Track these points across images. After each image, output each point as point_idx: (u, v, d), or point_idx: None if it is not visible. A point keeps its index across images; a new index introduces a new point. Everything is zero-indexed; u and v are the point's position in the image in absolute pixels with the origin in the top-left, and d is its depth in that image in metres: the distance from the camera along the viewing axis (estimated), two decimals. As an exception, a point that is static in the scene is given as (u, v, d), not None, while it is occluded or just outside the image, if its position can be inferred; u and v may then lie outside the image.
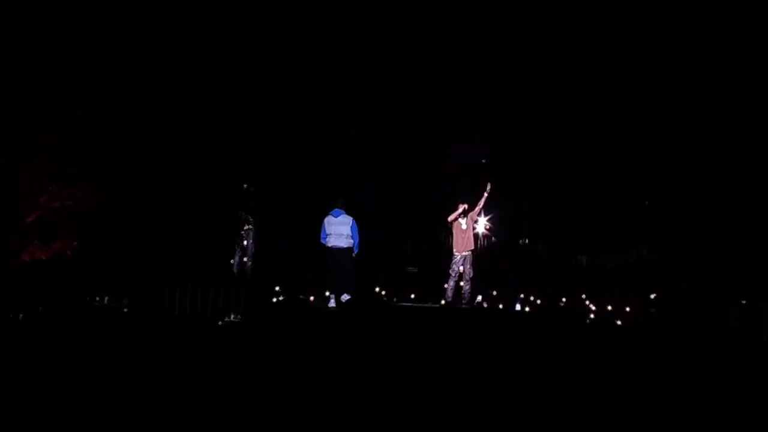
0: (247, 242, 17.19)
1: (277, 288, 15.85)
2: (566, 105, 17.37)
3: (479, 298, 16.15)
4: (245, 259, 17.15)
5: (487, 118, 19.09)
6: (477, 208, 16.16)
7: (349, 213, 15.63)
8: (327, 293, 15.71)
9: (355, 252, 15.60)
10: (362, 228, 16.11)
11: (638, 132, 16.75)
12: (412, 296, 17.05)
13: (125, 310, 11.49)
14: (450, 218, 16.11)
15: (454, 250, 16.11)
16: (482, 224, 17.39)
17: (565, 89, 17.33)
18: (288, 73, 17.39)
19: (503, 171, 19.20)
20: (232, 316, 12.64)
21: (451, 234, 16.27)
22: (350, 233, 15.49)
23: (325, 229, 15.58)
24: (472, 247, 16.12)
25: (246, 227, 17.19)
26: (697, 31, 15.88)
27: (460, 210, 16.04)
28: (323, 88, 17.89)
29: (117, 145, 14.60)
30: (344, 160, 19.27)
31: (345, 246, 15.44)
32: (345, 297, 15.08)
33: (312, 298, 15.72)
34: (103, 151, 14.51)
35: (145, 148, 14.89)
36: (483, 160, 17.70)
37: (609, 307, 15.64)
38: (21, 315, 7.83)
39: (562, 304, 16.46)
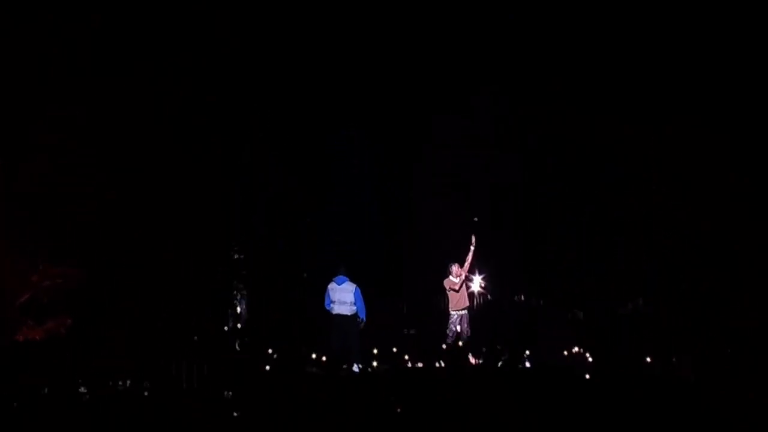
0: (240, 309, 17.03)
1: (270, 351, 15.46)
2: (566, 105, 17.36)
3: (473, 359, 15.68)
4: (239, 325, 16.99)
5: (487, 118, 19.10)
6: (466, 264, 15.73)
7: (353, 280, 15.30)
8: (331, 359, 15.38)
9: (363, 320, 15.25)
10: (361, 229, 16.03)
11: (638, 132, 16.74)
12: (406, 357, 16.67)
13: (146, 394, 11.04)
14: (447, 285, 15.70)
15: (450, 309, 15.73)
16: (477, 282, 17.01)
17: (565, 89, 17.33)
18: (288, 73, 17.39)
19: (503, 172, 19.22)
20: (226, 393, 12.32)
21: (446, 294, 15.89)
22: (354, 300, 15.18)
23: (329, 296, 15.28)
24: (467, 305, 15.75)
25: (238, 296, 17.01)
26: (697, 31, 15.88)
27: (456, 277, 15.62)
28: (323, 88, 17.90)
29: (117, 145, 14.58)
30: (344, 160, 19.27)
31: (349, 314, 15.10)
32: (356, 367, 14.76)
33: (314, 356, 15.40)
34: (103, 151, 14.48)
35: (145, 147, 14.88)
36: (475, 218, 17.47)
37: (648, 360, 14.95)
38: (16, 403, 7.58)
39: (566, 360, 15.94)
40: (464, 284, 15.69)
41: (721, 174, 15.67)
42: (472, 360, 15.41)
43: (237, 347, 15.85)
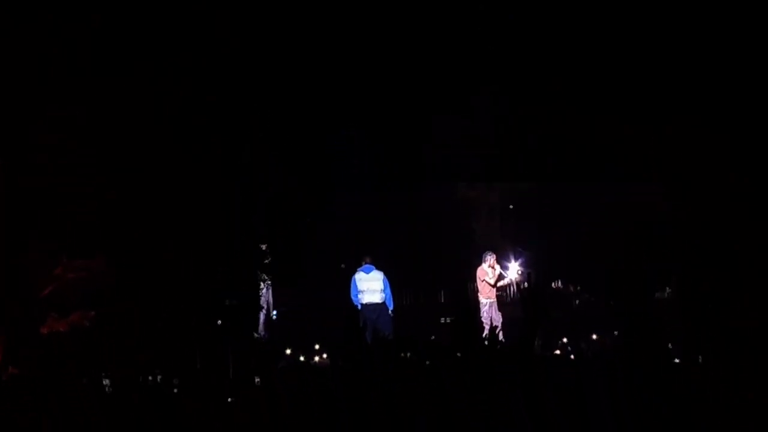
0: (266, 299, 16.97)
1: (288, 351, 15.37)
2: (566, 105, 17.38)
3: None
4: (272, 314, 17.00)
5: (487, 118, 19.12)
6: (496, 279, 15.80)
7: (378, 268, 15.25)
8: None
9: (391, 309, 15.21)
10: (361, 229, 16.03)
11: (638, 132, 16.75)
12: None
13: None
14: (480, 275, 15.71)
15: (481, 297, 15.72)
16: (514, 269, 16.91)
17: (565, 89, 17.34)
18: (288, 73, 17.39)
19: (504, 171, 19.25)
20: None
21: (475, 281, 15.89)
22: (383, 288, 15.13)
23: (356, 286, 15.17)
24: (497, 293, 15.85)
25: (263, 286, 16.99)
26: (697, 31, 15.88)
27: (489, 268, 15.60)
28: (323, 87, 17.89)
29: (117, 145, 14.59)
30: (344, 160, 19.29)
31: (379, 301, 15.07)
32: None
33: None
34: (103, 151, 14.49)
35: (145, 147, 14.88)
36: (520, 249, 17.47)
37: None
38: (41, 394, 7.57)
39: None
40: (498, 280, 15.75)
41: (721, 174, 15.67)
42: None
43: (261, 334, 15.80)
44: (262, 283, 16.96)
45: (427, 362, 7.34)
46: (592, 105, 17.11)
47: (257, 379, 9.24)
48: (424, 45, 17.86)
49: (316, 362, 14.78)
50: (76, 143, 14.20)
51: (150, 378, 9.07)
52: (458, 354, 7.44)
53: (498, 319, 15.55)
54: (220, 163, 16.42)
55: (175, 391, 7.81)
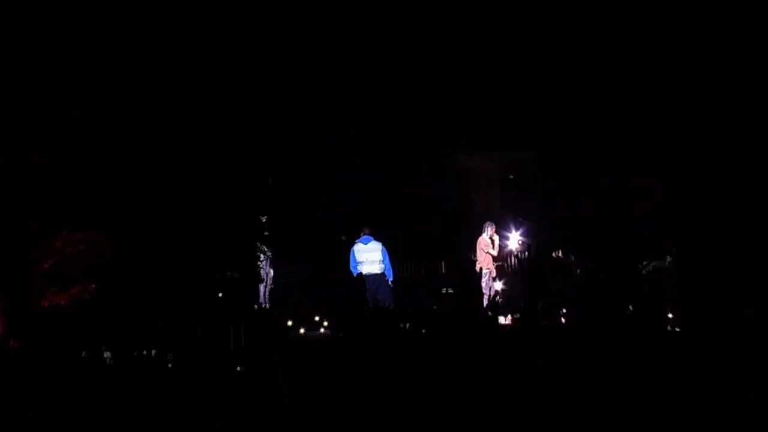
0: (266, 271, 16.93)
1: (289, 323, 15.36)
2: (566, 105, 17.39)
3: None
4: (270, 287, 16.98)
5: (487, 118, 19.15)
6: (495, 251, 16.04)
7: (377, 239, 15.33)
8: None
9: (390, 279, 15.31)
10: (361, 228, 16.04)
11: (638, 132, 16.77)
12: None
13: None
14: (482, 246, 15.91)
15: (483, 267, 15.90)
16: (515, 239, 17.02)
17: (565, 89, 17.35)
18: (288, 73, 17.40)
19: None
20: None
21: (475, 251, 16.11)
22: (382, 258, 15.21)
23: (355, 257, 15.25)
24: (496, 263, 16.09)
25: (262, 258, 16.97)
26: (697, 31, 15.89)
27: (489, 239, 15.79)
28: (323, 87, 17.91)
29: (117, 145, 14.60)
30: (344, 160, 19.32)
31: (379, 272, 15.15)
32: None
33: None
34: (103, 151, 14.50)
35: (144, 147, 14.89)
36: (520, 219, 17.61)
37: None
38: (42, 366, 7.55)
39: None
40: (499, 251, 15.95)
41: (721, 174, 15.68)
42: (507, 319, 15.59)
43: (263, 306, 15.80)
44: (261, 255, 17.01)
45: (424, 330, 7.36)
46: (592, 105, 17.13)
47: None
48: (425, 45, 17.87)
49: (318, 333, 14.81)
50: (76, 143, 14.20)
51: (145, 353, 9.11)
52: (459, 329, 7.43)
53: (495, 288, 15.79)
54: (220, 163, 16.43)
55: (170, 366, 7.80)
